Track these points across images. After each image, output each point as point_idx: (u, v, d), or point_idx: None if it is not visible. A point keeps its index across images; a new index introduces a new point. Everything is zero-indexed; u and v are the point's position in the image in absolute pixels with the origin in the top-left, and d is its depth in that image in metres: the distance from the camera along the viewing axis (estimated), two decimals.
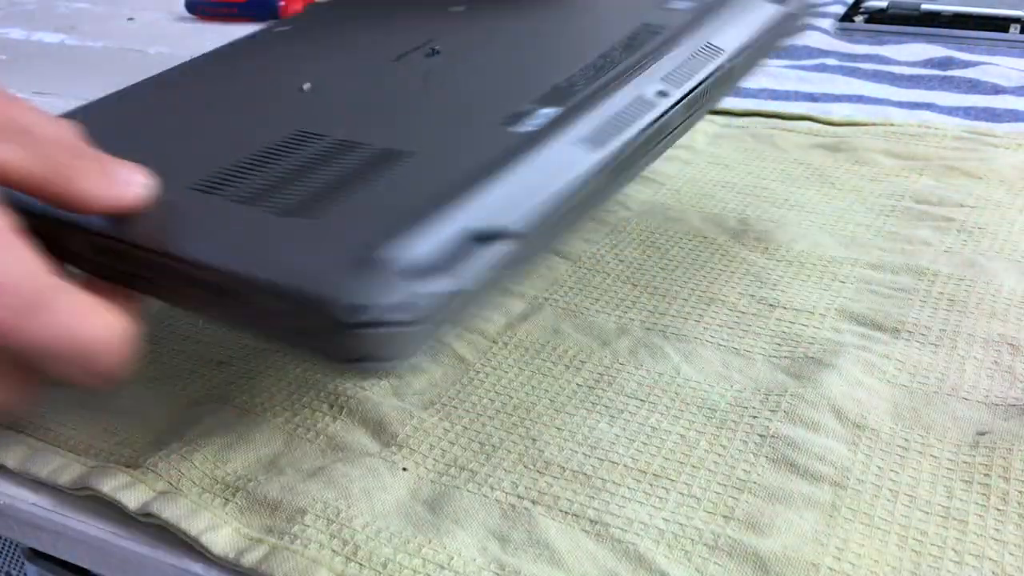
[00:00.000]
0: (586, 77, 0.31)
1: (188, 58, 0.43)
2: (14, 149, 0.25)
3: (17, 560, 0.43)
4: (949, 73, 0.75)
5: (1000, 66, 0.74)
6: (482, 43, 0.38)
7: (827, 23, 0.92)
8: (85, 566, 0.32)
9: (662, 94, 0.31)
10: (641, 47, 0.34)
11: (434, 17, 0.41)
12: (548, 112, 0.29)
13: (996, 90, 0.70)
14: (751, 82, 0.74)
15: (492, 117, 0.30)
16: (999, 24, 0.85)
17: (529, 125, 0.28)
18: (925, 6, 0.91)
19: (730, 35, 0.36)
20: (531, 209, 0.26)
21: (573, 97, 0.30)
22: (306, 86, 0.35)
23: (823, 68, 0.77)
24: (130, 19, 0.97)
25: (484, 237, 0.24)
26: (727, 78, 0.35)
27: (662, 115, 0.31)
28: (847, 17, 0.91)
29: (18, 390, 0.26)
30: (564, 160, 0.27)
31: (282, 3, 1.01)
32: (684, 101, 0.32)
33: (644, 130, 0.30)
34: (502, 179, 0.26)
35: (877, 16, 0.91)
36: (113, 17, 0.98)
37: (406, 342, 0.22)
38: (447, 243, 0.24)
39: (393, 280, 0.22)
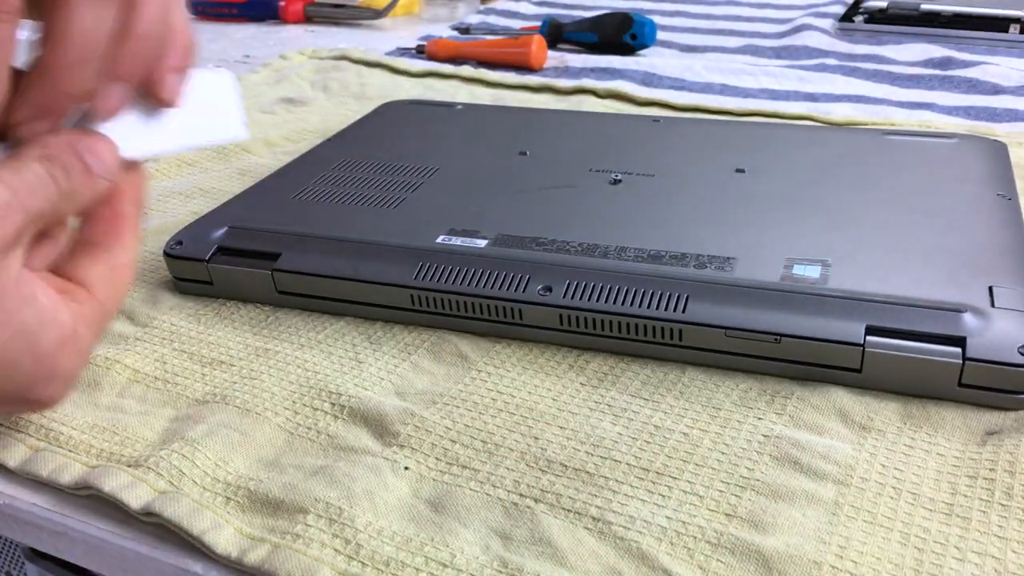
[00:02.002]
0: None
1: None
2: None
3: (17, 560, 0.43)
4: (949, 73, 0.75)
5: (1000, 66, 0.74)
6: None
7: (827, 23, 0.92)
8: (85, 566, 0.32)
9: None
10: None
11: None
12: None
13: (996, 90, 0.70)
14: (751, 82, 0.74)
15: None
16: (999, 24, 0.85)
17: None
18: (925, 6, 0.91)
19: None
20: None
21: None
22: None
23: (823, 68, 0.77)
24: None
25: None
26: None
27: None
28: (847, 17, 0.91)
29: None
30: None
31: (282, 3, 1.01)
32: None
33: None
34: None
35: (877, 16, 0.91)
36: None
37: None
38: None
39: None
